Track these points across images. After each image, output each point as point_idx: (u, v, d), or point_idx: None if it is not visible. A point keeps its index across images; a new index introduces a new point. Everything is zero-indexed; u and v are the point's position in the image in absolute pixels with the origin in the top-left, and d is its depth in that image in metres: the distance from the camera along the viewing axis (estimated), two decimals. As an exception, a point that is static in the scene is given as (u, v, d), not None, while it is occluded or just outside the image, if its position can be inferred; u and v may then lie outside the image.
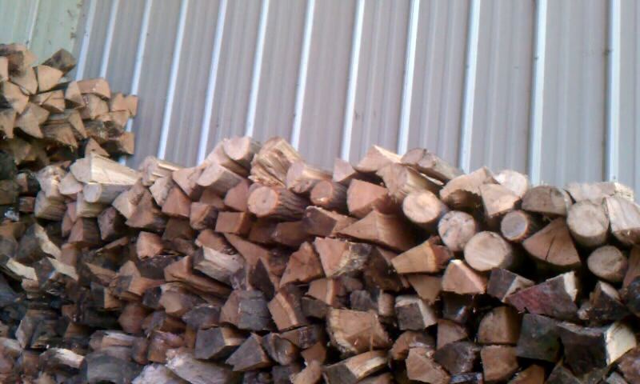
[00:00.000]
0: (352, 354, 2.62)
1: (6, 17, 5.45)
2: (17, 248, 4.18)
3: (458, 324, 2.46)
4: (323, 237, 2.72)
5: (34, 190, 4.33)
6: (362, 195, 2.76)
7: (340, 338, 2.62)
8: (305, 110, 4.58)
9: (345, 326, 2.62)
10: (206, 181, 3.29)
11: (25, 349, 3.80)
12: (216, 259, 3.12)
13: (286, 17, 4.85)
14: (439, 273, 2.48)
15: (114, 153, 5.20)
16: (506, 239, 2.38)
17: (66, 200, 4.15)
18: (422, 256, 2.51)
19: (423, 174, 2.79)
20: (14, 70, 4.44)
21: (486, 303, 2.44)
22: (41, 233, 4.16)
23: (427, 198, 2.57)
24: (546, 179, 3.61)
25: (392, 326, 2.62)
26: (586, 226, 2.21)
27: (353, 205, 2.77)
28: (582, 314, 2.18)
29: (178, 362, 3.01)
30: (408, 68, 4.22)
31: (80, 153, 4.81)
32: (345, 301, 2.75)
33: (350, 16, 4.54)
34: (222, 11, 5.16)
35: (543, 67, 3.78)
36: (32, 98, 4.57)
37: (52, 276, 3.88)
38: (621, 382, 2.11)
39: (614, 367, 2.13)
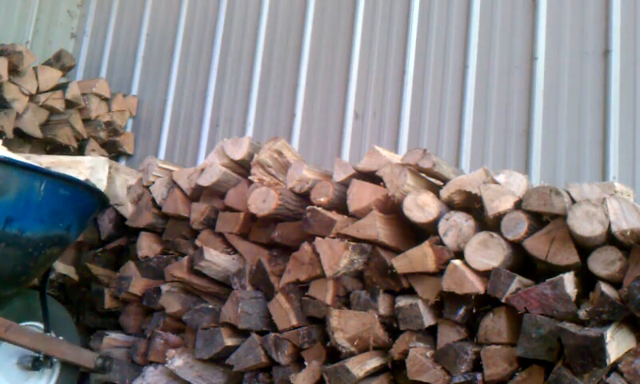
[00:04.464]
0: (352, 354, 2.62)
1: (6, 17, 5.45)
2: (17, 248, 4.18)
3: (458, 324, 2.46)
4: (323, 237, 2.71)
5: (34, 190, 4.33)
6: (362, 195, 2.76)
7: (340, 338, 2.62)
8: (305, 110, 4.58)
9: (345, 325, 2.62)
10: (205, 181, 3.29)
11: (25, 349, 3.79)
12: (216, 259, 3.12)
13: (285, 17, 4.85)
14: (439, 273, 2.48)
15: (114, 153, 5.21)
16: (505, 239, 2.38)
17: (66, 200, 4.14)
18: (422, 256, 2.51)
19: (423, 174, 2.79)
20: (14, 70, 4.44)
21: (486, 303, 2.44)
22: (41, 233, 4.16)
23: (427, 198, 2.57)
24: (546, 179, 3.61)
25: (392, 326, 2.62)
26: (585, 226, 2.20)
27: (353, 205, 2.76)
28: (582, 314, 2.18)
29: (177, 362, 3.01)
30: (408, 68, 4.22)
31: (80, 153, 4.82)
32: (345, 301, 2.75)
33: (350, 16, 4.54)
34: (222, 11, 5.16)
35: (543, 67, 3.78)
36: (32, 98, 4.57)
37: (52, 276, 3.87)
38: (621, 382, 2.10)
39: (614, 367, 2.13)
